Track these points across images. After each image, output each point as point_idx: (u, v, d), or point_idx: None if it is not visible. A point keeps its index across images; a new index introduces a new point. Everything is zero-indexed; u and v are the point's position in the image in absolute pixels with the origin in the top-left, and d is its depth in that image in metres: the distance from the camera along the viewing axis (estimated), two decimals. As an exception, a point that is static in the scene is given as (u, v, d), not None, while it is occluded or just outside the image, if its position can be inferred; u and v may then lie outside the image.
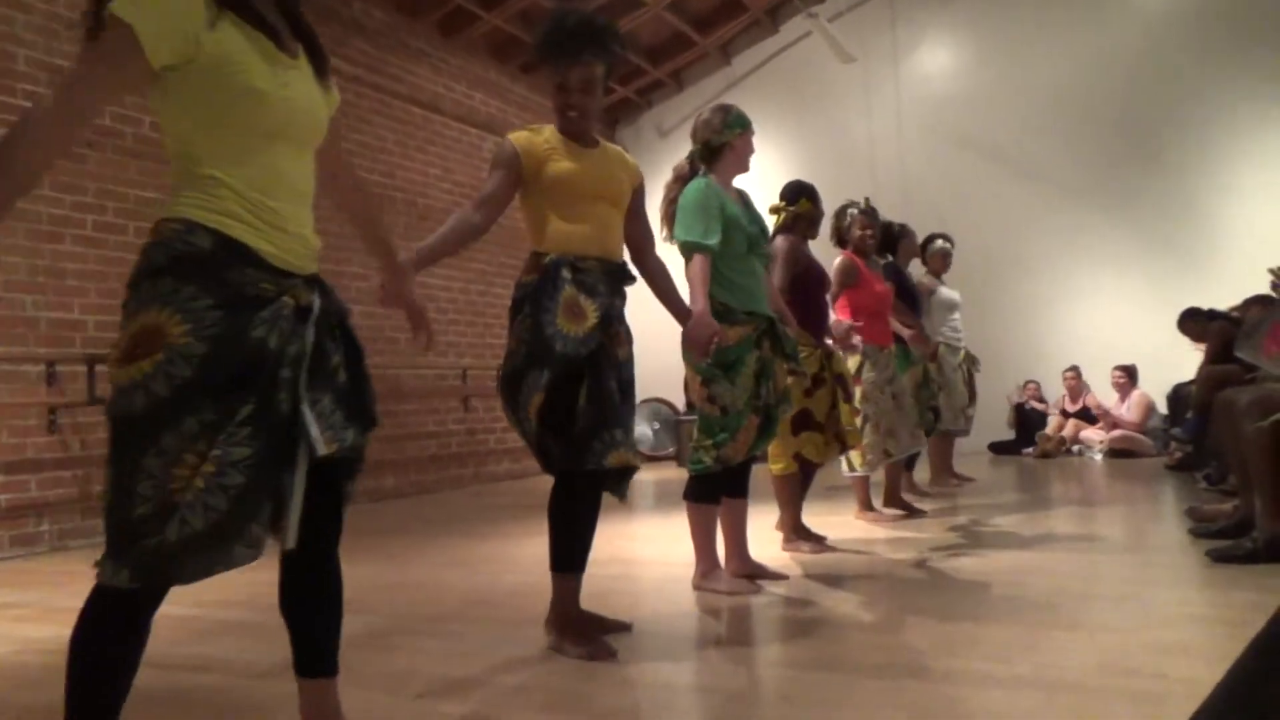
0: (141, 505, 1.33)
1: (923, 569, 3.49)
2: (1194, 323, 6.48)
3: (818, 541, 3.93)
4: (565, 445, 2.41)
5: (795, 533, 3.94)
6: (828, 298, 4.22)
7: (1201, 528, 3.87)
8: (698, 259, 3.03)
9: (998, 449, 8.32)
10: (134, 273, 1.43)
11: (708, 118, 3.28)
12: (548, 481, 2.61)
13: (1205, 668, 2.04)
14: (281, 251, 1.48)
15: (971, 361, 6.07)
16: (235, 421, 1.37)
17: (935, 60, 9.09)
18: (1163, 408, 7.72)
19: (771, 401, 3.16)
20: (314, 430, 1.44)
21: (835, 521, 4.46)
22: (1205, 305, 6.61)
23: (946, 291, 5.97)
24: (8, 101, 4.70)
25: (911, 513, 4.79)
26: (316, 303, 1.51)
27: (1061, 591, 3.01)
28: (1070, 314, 8.33)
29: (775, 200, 4.02)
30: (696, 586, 3.21)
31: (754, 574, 3.32)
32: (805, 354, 3.77)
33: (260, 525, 1.42)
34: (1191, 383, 6.22)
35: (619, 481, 2.56)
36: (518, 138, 2.55)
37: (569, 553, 2.55)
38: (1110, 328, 8.06)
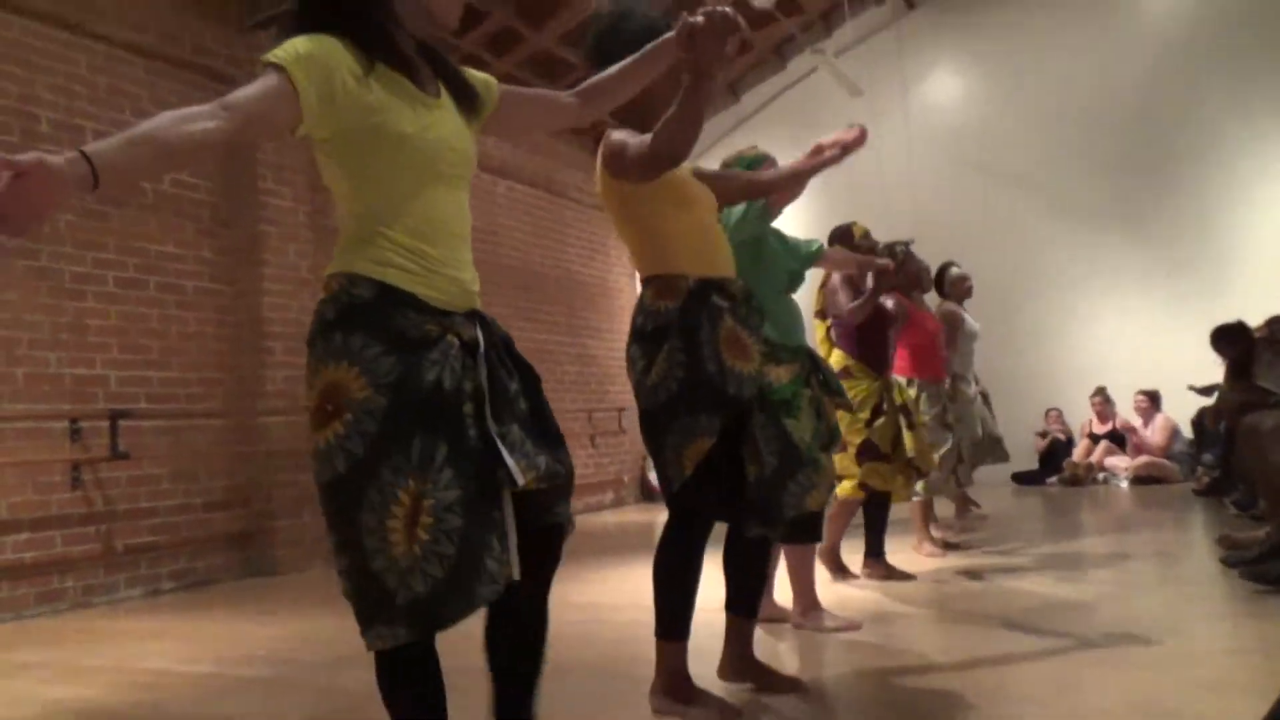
0: (374, 559, 1.38)
1: (951, 606, 3.44)
2: (1228, 343, 6.36)
3: (844, 572, 3.94)
4: (742, 496, 2.21)
5: (831, 556, 3.95)
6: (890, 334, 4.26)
7: (1234, 556, 3.80)
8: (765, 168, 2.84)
9: (1021, 479, 8.22)
10: (310, 331, 1.48)
11: (723, 164, 3.28)
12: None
13: (1245, 704, 1.99)
14: (439, 294, 1.51)
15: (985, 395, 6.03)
16: (435, 468, 1.40)
17: (943, 89, 9.14)
18: (1187, 432, 7.61)
19: (826, 441, 3.13)
20: (510, 461, 1.45)
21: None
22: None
23: (972, 322, 5.93)
24: (31, 163, 4.78)
25: (948, 546, 4.76)
26: (480, 337, 1.53)
27: (1095, 627, 2.95)
28: (1089, 339, 8.26)
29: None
30: (797, 625, 3.21)
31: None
32: (864, 386, 3.81)
33: (493, 559, 1.43)
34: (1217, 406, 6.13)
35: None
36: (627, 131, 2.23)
37: (680, 616, 2.28)
38: (1130, 351, 7.99)
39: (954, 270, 5.98)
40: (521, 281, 8.20)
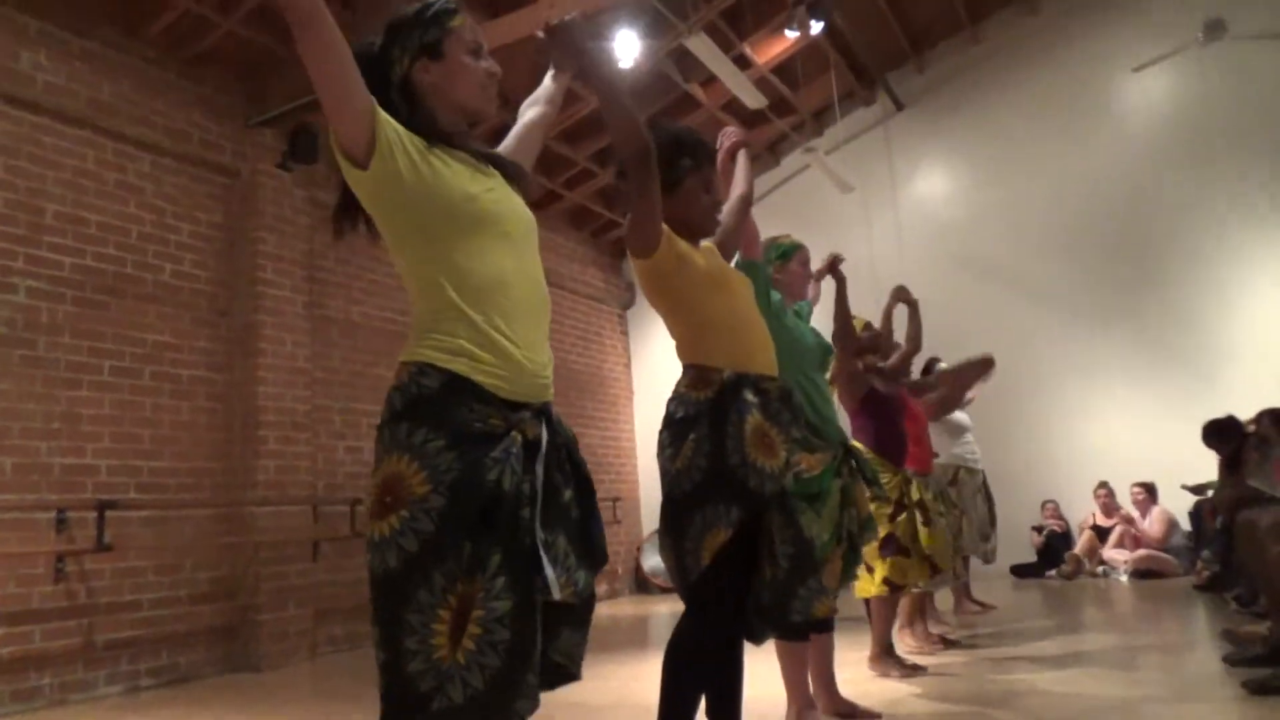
0: (412, 661, 1.36)
1: (955, 705, 3.35)
2: (1220, 439, 6.38)
3: (909, 668, 3.86)
4: (754, 594, 2.20)
5: (886, 654, 3.88)
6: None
7: (1236, 654, 3.74)
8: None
9: (1020, 572, 8.12)
10: (380, 419, 1.49)
11: None
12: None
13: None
14: (511, 385, 1.50)
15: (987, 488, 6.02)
16: (488, 575, 1.37)
17: (932, 186, 9.36)
18: (1185, 524, 7.55)
19: (854, 529, 3.08)
20: (550, 573, 1.43)
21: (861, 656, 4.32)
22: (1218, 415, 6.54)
23: (956, 413, 5.96)
24: (35, 254, 4.85)
25: (948, 643, 4.65)
26: (544, 436, 1.51)
27: (1095, 730, 2.88)
28: (1083, 431, 8.27)
29: None
30: None
31: (845, 712, 3.19)
32: (886, 480, 3.78)
33: (534, 674, 1.41)
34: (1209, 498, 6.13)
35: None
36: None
37: (683, 715, 2.20)
38: (1124, 444, 7.99)
39: (940, 365, 6.06)
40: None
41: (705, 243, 2.52)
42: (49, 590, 4.63)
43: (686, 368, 2.34)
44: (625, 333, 10.39)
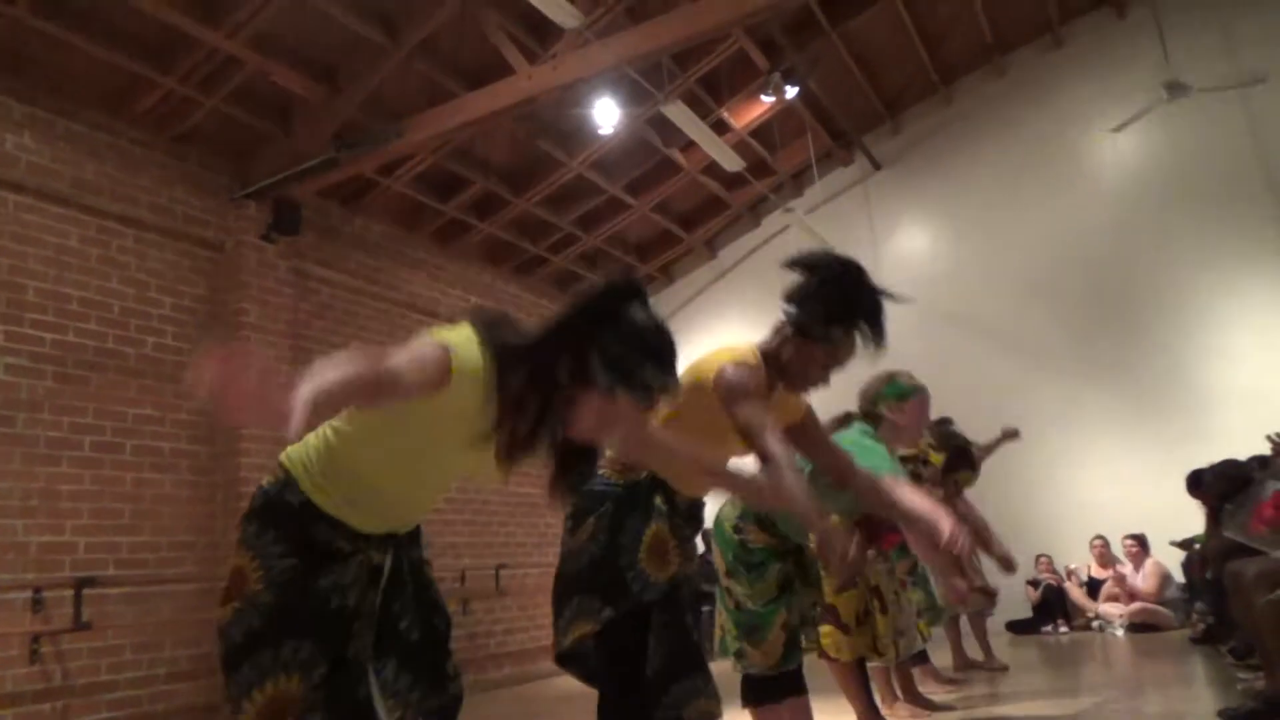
0: None
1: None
2: (1204, 489, 6.36)
3: None
4: (632, 690, 2.15)
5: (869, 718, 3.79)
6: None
7: (1229, 711, 3.67)
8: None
9: (1016, 628, 8.02)
10: (245, 511, 1.57)
11: (867, 384, 3.18)
12: (549, 687, 2.48)
13: None
14: (362, 523, 1.55)
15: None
16: (312, 683, 1.42)
17: (912, 243, 9.47)
18: (1179, 575, 7.49)
19: (795, 623, 3.02)
20: (379, 707, 1.48)
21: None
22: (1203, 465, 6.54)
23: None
24: (15, 330, 4.86)
25: (933, 708, 4.55)
26: (387, 563, 1.57)
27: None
28: (1072, 484, 8.25)
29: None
30: None
31: None
32: None
33: None
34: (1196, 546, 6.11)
35: None
36: (756, 365, 2.32)
37: None
38: (1114, 496, 7.96)
39: (949, 426, 6.06)
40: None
41: (795, 398, 2.50)
42: (24, 672, 4.53)
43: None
44: (613, 396, 10.37)
